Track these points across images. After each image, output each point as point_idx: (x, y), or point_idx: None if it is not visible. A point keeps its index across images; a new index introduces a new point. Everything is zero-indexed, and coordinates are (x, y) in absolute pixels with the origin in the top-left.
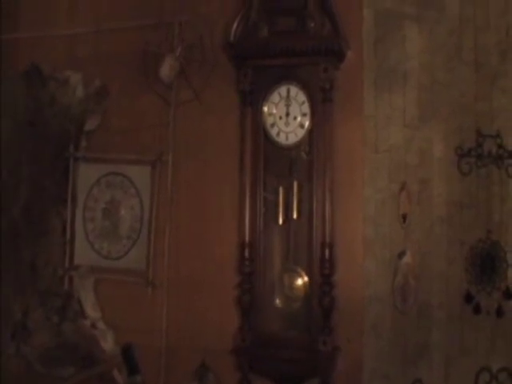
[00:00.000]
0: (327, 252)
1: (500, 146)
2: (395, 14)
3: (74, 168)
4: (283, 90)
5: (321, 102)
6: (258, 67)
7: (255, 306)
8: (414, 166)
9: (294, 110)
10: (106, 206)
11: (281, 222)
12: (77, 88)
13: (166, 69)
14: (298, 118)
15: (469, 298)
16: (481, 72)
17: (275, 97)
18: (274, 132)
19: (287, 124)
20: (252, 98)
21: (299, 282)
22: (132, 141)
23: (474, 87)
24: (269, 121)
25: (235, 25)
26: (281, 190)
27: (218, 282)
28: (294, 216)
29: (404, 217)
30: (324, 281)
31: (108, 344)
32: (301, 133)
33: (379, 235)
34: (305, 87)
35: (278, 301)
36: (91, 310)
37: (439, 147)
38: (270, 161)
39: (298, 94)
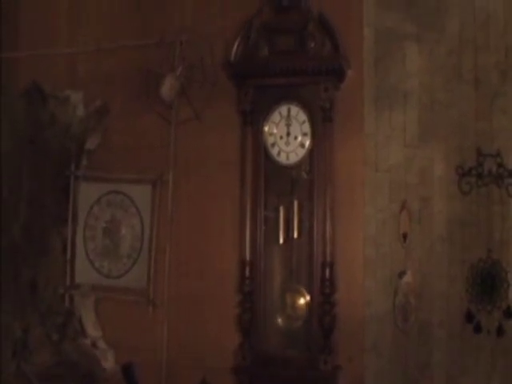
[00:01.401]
0: (328, 271)
1: (500, 165)
2: (395, 33)
3: (75, 186)
4: (284, 109)
5: (321, 122)
6: (258, 87)
7: (255, 325)
8: (414, 185)
9: (295, 129)
10: (106, 224)
11: (281, 241)
12: (77, 107)
13: (167, 88)
14: (299, 138)
15: (469, 317)
16: (481, 92)
17: (276, 116)
18: (274, 151)
19: (288, 143)
20: (252, 118)
21: (301, 301)
22: (133, 160)
23: (474, 107)
24: (269, 140)
25: (236, 44)
26: (281, 209)
27: (219, 301)
28: (295, 235)
29: (404, 236)
30: (324, 300)
31: (108, 363)
32: (301, 152)
33: (380, 254)
34: (305, 107)
35: (275, 320)
36: (92, 329)
37: (440, 166)
38: (271, 180)
39: (298, 114)
